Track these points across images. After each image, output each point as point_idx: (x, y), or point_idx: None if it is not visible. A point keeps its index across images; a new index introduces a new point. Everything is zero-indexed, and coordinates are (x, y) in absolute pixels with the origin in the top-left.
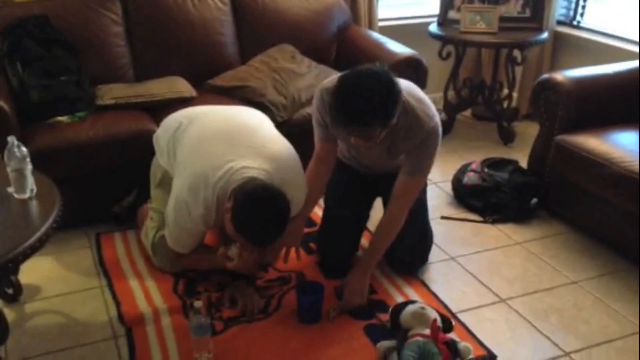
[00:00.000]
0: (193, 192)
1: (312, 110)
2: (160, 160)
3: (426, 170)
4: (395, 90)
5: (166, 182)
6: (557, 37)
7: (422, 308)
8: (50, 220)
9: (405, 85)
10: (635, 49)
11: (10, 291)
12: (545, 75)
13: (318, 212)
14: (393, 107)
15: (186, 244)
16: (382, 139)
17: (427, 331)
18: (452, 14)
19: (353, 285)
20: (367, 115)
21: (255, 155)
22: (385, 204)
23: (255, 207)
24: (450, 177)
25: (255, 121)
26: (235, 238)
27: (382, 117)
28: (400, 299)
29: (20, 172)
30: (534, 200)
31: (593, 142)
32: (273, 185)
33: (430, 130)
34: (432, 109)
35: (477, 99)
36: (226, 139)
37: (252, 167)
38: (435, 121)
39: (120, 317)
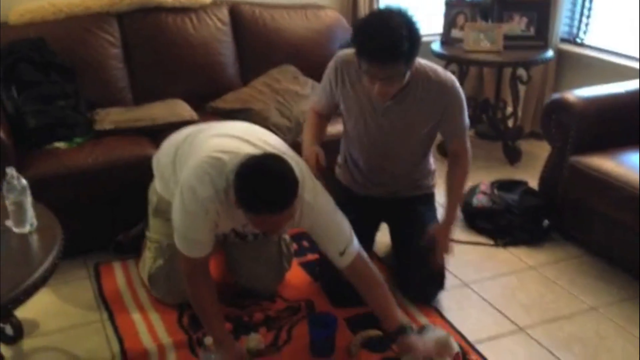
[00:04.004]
0: (199, 177)
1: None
2: (158, 184)
3: (466, 125)
4: (417, 27)
5: (162, 210)
6: (560, 54)
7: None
8: (53, 256)
9: None
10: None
11: (10, 332)
12: (557, 95)
13: None
14: (416, 42)
15: (195, 241)
16: (398, 98)
17: None
18: (455, 33)
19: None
20: (396, 48)
21: (258, 147)
22: (391, 229)
23: (256, 169)
24: None
25: (256, 128)
26: (250, 220)
27: (408, 51)
28: None
29: (19, 205)
30: (546, 222)
31: (609, 164)
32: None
33: (451, 85)
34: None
35: (481, 118)
36: (229, 135)
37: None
38: (451, 77)
39: (124, 354)
